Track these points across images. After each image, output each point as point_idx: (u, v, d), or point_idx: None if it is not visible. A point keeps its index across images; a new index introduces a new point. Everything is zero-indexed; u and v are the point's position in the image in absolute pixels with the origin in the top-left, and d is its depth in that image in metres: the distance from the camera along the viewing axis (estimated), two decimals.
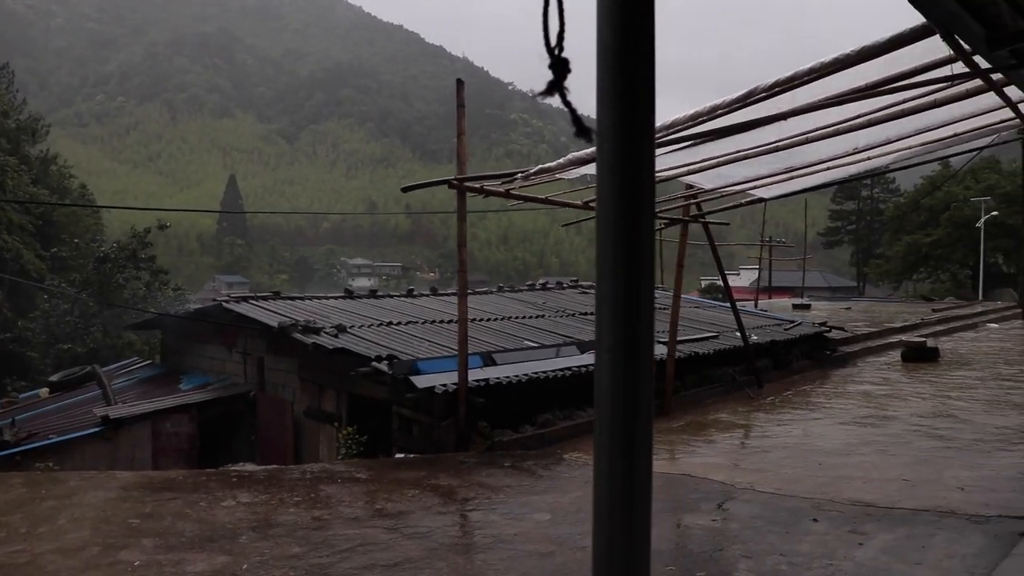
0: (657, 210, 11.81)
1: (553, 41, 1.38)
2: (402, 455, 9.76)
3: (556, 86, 1.37)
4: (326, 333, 11.50)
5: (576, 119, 1.44)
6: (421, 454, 9.59)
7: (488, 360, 10.54)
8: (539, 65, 1.42)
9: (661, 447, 9.57)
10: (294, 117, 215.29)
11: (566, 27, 1.37)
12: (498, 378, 9.90)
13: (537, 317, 13.97)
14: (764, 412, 11.74)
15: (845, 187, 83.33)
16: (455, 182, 9.30)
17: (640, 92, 1.50)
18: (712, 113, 6.97)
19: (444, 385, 9.42)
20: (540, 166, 8.40)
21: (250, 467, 8.95)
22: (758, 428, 10.74)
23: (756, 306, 26.18)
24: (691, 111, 7.11)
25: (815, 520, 6.43)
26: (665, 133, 7.34)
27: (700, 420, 11.17)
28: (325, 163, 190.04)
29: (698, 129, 7.36)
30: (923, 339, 18.58)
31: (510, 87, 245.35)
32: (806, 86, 6.67)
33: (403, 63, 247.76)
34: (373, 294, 15.16)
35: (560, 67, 1.37)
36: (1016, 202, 46.17)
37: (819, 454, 8.92)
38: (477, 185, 9.46)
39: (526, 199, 10.11)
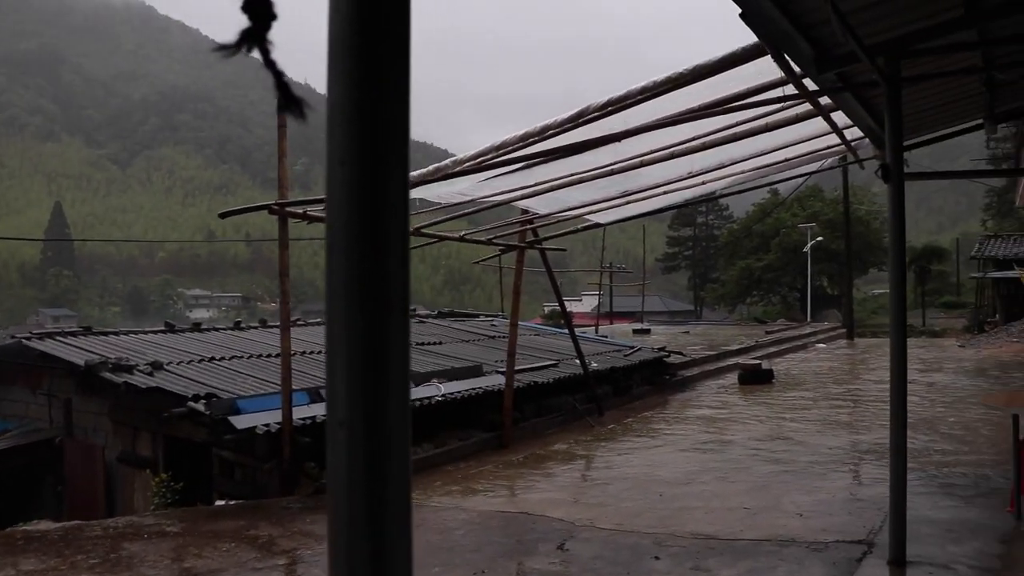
0: (493, 236, 11.50)
1: None
2: (223, 502, 9.04)
3: (253, 37, 0.93)
4: (139, 371, 10.62)
5: (281, 85, 1.00)
6: (244, 500, 8.91)
7: (316, 396, 9.93)
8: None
9: (499, 483, 9.19)
10: (126, 142, 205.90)
11: None
12: (325, 415, 9.30)
13: None
14: (605, 441, 11.54)
15: (681, 214, 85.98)
16: (275, 207, 8.73)
17: (388, 57, 1.07)
18: (543, 133, 6.67)
19: (267, 425, 8.77)
20: None
21: (44, 525, 8.03)
22: (598, 459, 10.51)
23: (597, 332, 26.32)
24: (521, 131, 6.81)
25: (657, 558, 6.15)
26: (495, 154, 7.00)
27: (540, 452, 10.85)
28: (160, 190, 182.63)
29: (531, 150, 7.05)
30: (758, 361, 18.95)
31: None
32: (640, 106, 6.46)
33: (243, 88, 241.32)
34: (196, 327, 14.24)
35: (259, 8, 0.92)
36: (838, 228, 48.44)
37: (660, 484, 8.71)
38: (299, 210, 8.91)
39: None
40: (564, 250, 14.25)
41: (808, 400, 15.09)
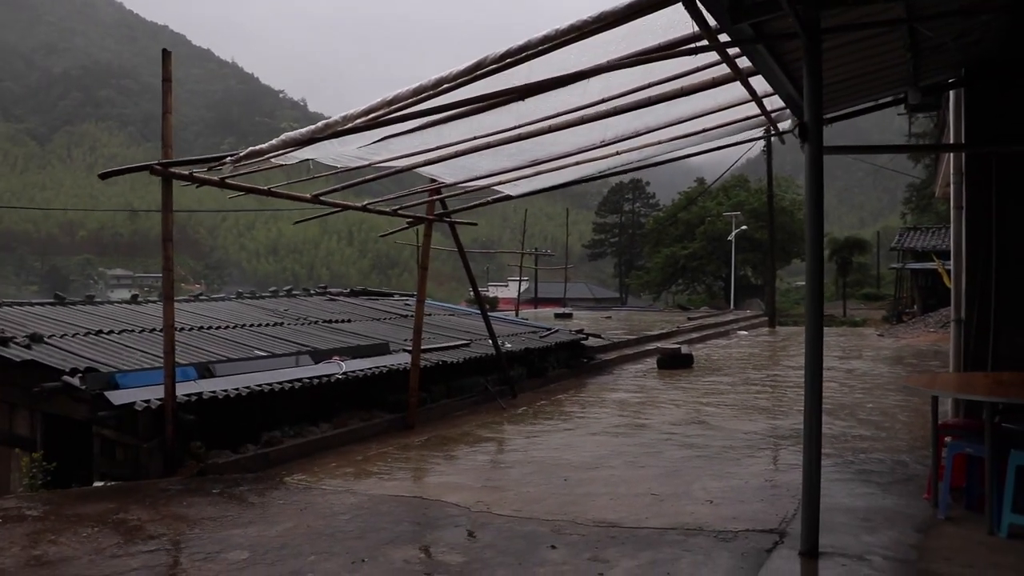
0: (398, 207, 10.90)
1: None
2: (101, 484, 8.34)
3: None
4: (16, 344, 9.82)
5: None
6: (125, 481, 8.22)
7: (205, 371, 9.25)
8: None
9: (397, 465, 8.63)
10: (46, 117, 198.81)
11: None
12: (213, 391, 8.64)
13: (275, 325, 12.70)
14: (514, 424, 11.05)
15: (608, 200, 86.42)
16: (158, 167, 8.02)
17: None
18: (437, 87, 6.10)
19: (147, 400, 8.07)
20: (251, 148, 7.29)
21: None
22: (505, 442, 10.01)
23: (517, 315, 25.86)
24: (415, 84, 6.23)
25: (553, 547, 5.66)
26: (387, 109, 6.41)
27: (446, 434, 10.32)
28: (82, 167, 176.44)
29: (426, 106, 6.48)
30: (678, 346, 18.66)
31: (281, 95, 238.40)
32: (544, 59, 5.94)
33: None
34: (89, 300, 13.38)
35: None
36: (762, 217, 48.78)
37: (566, 468, 8.24)
38: (184, 171, 8.20)
39: (246, 190, 8.91)
40: (475, 224, 13.69)
41: (727, 385, 14.81)
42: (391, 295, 18.95)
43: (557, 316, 29.35)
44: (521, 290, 41.60)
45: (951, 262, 9.78)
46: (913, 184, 59.17)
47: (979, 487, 6.37)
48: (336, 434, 9.74)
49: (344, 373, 10.29)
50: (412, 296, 19.24)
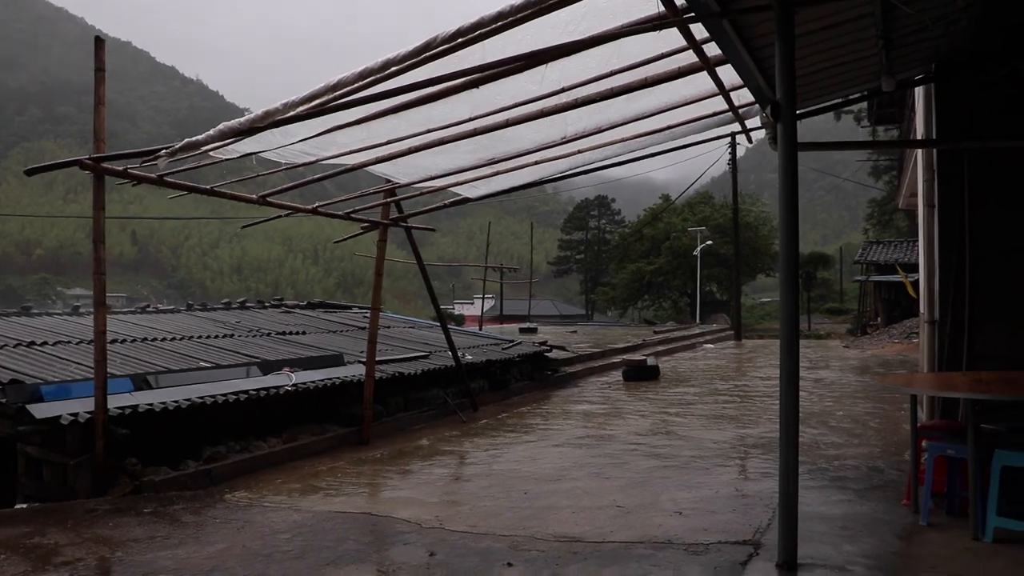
0: (351, 210, 10.44)
1: None
2: (25, 505, 7.77)
3: None
4: None
5: None
6: (52, 502, 7.65)
7: (142, 383, 8.71)
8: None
9: (348, 480, 8.13)
10: (2, 133, 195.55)
11: None
12: (150, 404, 8.09)
13: (225, 337, 12.14)
14: (474, 437, 10.59)
15: (574, 217, 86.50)
16: (88, 162, 7.52)
17: None
18: (385, 70, 5.68)
19: (74, 414, 7.51)
20: (186, 140, 6.81)
21: None
22: (464, 455, 9.54)
23: (481, 329, 25.43)
24: (360, 68, 5.81)
25: (510, 564, 5.21)
26: (331, 95, 5.97)
27: (401, 448, 9.84)
28: (40, 185, 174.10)
29: (373, 91, 6.05)
30: (644, 357, 18.32)
31: (246, 112, 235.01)
32: (499, 39, 5.55)
33: (131, 82, 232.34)
34: (25, 311, 12.74)
35: None
36: (727, 233, 48.77)
37: (527, 481, 7.80)
38: (119, 167, 7.71)
39: (187, 188, 8.43)
40: (433, 229, 13.21)
41: (694, 395, 14.46)
42: (349, 308, 18.42)
43: (522, 331, 28.98)
44: (487, 307, 41.18)
45: (922, 261, 9.51)
46: (875, 200, 59.62)
47: (960, 491, 6.03)
48: (285, 449, 9.23)
49: (294, 385, 9.79)
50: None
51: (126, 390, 8.39)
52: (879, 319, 36.52)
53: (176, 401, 8.31)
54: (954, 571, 4.91)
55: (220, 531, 6.22)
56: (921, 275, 10.04)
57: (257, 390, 9.29)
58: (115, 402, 7.85)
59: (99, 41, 7.70)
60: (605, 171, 11.05)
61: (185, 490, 7.75)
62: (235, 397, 8.96)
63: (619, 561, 5.21)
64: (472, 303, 67.42)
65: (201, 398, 8.61)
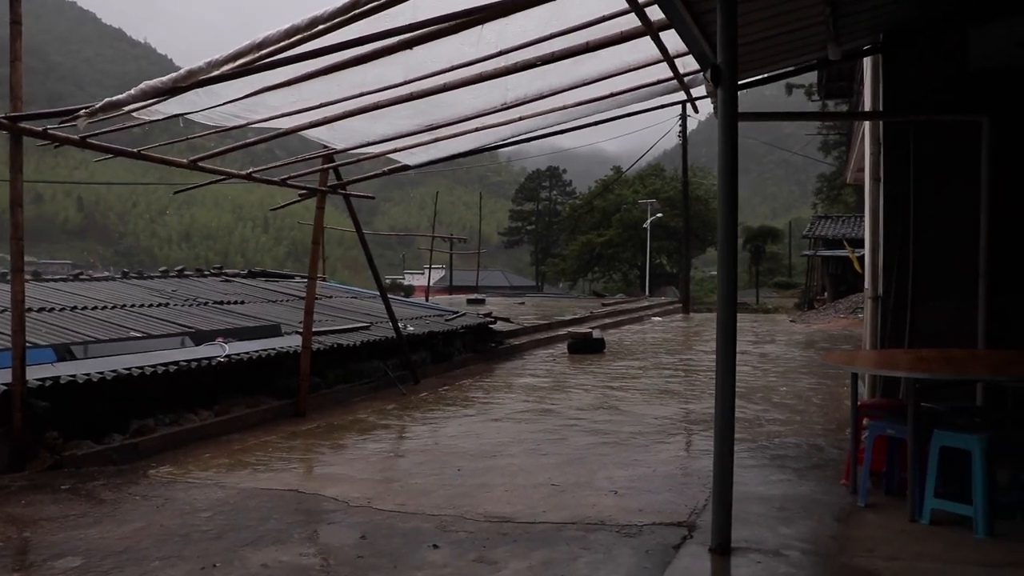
0: (287, 176, 10.11)
1: None
2: None
3: None
4: None
5: None
6: None
7: (66, 353, 8.36)
8: None
9: (278, 455, 7.86)
10: None
11: None
12: (72, 375, 7.75)
13: (159, 306, 11.75)
14: (413, 411, 10.36)
15: (525, 188, 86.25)
16: (4, 121, 7.12)
17: None
18: (312, 28, 5.39)
19: None
20: (107, 99, 6.47)
21: None
22: (401, 429, 9.32)
23: (427, 300, 25.18)
24: (287, 26, 5.50)
25: (435, 546, 5.00)
26: (257, 54, 5.67)
27: (337, 421, 9.59)
28: None
29: (301, 50, 5.75)
30: (590, 330, 18.19)
31: None
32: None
33: (77, 44, 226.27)
34: None
35: None
36: (678, 206, 48.84)
37: (462, 458, 7.60)
38: (38, 127, 7.32)
39: (113, 151, 8.05)
40: (372, 197, 12.91)
41: (638, 369, 14.36)
42: (292, 277, 18.04)
43: (470, 302, 28.75)
44: (437, 278, 40.87)
45: (867, 236, 9.42)
46: (824, 175, 60.04)
47: (899, 471, 5.93)
48: (217, 422, 8.94)
49: (227, 356, 9.47)
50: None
51: (48, 360, 8.04)
52: (826, 294, 36.81)
53: (101, 372, 7.97)
54: (890, 554, 4.80)
55: (138, 509, 5.94)
56: (867, 250, 9.97)
57: (188, 361, 8.96)
58: (35, 373, 7.48)
59: None
60: (556, 141, 10.94)
61: (109, 465, 7.43)
62: (165, 368, 8.62)
63: (549, 543, 5.03)
64: (422, 273, 67.05)
65: (128, 369, 8.26)
